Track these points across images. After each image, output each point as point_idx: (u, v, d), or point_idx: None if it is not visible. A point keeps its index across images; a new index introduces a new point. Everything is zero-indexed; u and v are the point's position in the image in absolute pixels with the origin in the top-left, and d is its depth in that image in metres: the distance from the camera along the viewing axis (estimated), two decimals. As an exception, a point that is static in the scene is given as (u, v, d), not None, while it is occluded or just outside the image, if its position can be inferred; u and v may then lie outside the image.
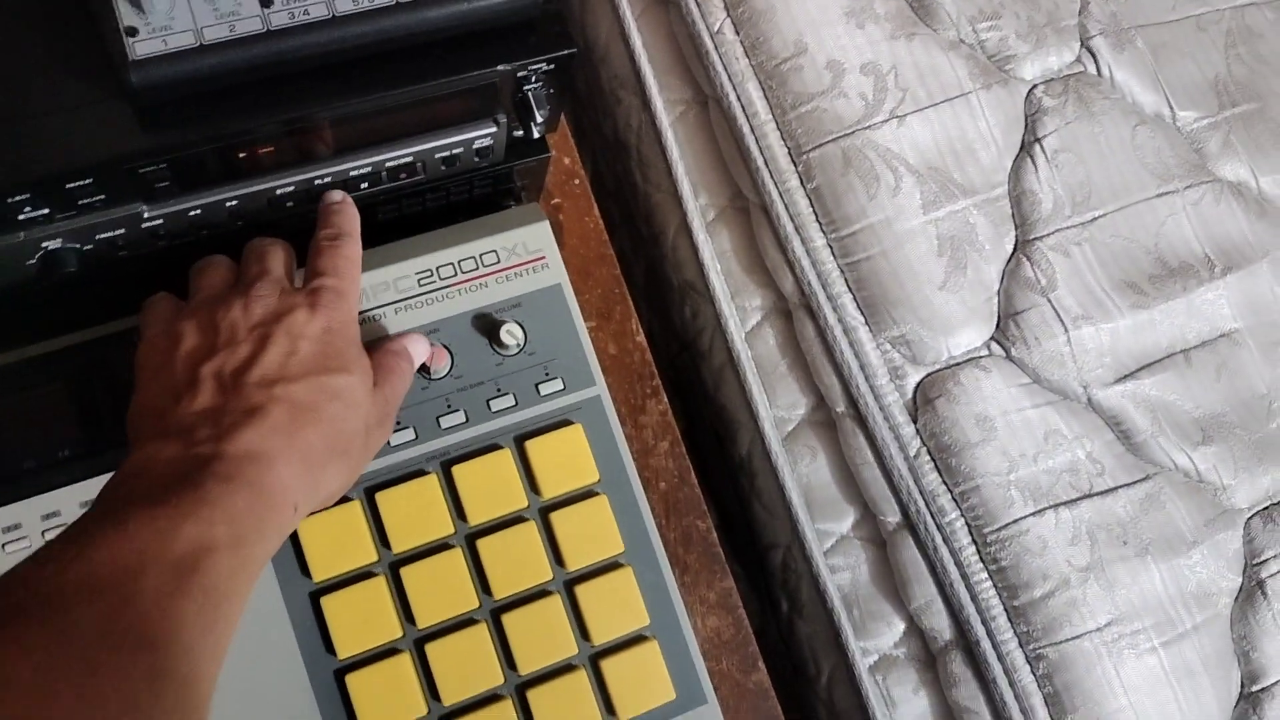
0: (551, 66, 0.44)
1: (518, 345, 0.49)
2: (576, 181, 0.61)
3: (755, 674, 0.56)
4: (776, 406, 0.60)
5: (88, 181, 0.40)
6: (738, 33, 0.60)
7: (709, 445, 0.66)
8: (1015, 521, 0.54)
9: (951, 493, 0.55)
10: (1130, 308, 0.58)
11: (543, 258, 0.51)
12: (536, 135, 0.48)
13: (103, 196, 0.41)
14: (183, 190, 0.43)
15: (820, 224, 0.58)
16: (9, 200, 0.39)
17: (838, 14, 0.60)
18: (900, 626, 0.58)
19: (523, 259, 0.50)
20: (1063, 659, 0.53)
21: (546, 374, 0.49)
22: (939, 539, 0.55)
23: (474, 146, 0.48)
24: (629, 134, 0.66)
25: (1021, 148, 0.60)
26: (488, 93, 0.45)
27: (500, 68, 0.43)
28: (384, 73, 0.42)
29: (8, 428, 0.44)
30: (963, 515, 0.55)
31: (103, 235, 0.44)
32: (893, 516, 0.57)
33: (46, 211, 0.41)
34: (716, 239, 0.62)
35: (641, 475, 0.55)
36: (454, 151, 0.48)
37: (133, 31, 0.38)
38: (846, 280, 0.58)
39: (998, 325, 0.58)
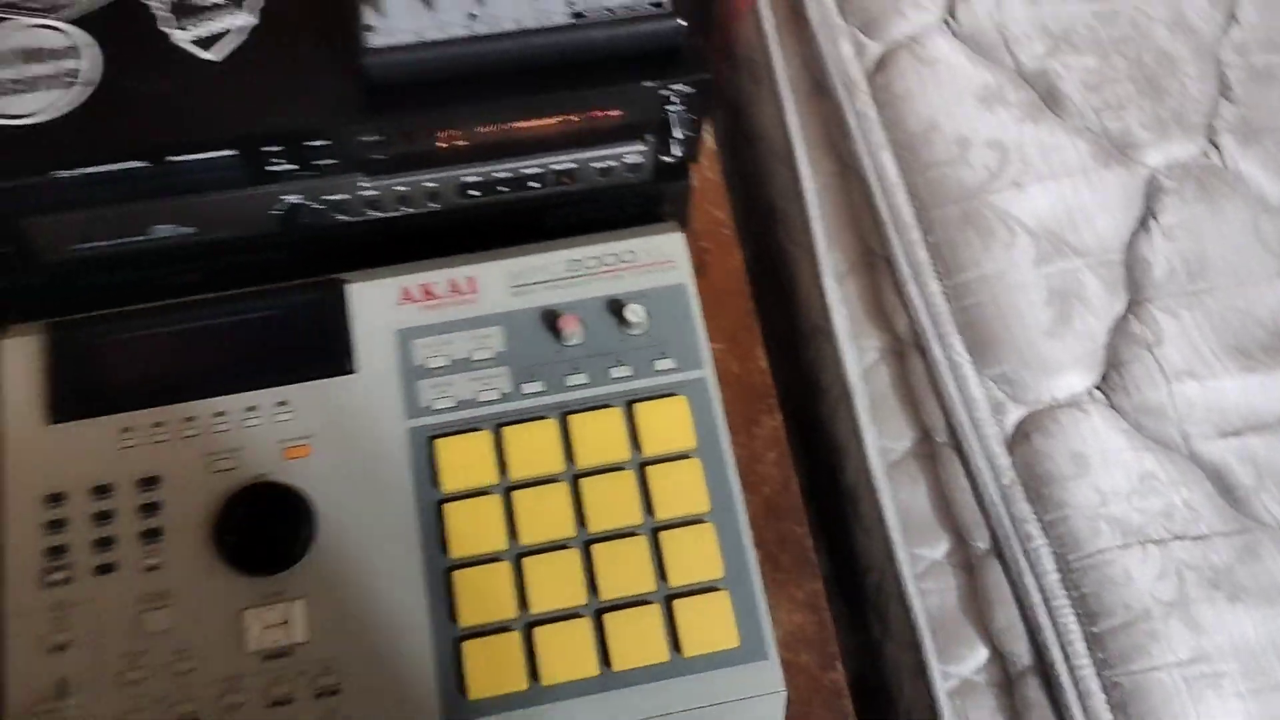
0: (690, 90, 0.54)
1: (641, 327, 0.57)
2: (725, 230, 0.70)
3: (832, 673, 0.59)
4: (884, 437, 0.65)
5: (326, 143, 0.53)
6: (879, 113, 0.69)
7: (821, 485, 0.70)
8: (1101, 551, 0.56)
9: (1040, 520, 0.58)
10: (1239, 370, 0.60)
11: (673, 261, 0.59)
12: (676, 154, 0.58)
13: (334, 161, 0.54)
14: (392, 168, 0.56)
15: (936, 272, 0.64)
16: (264, 149, 0.53)
17: (971, 99, 0.67)
18: (982, 653, 0.59)
19: (655, 260, 0.59)
20: (1138, 689, 0.53)
21: (661, 354, 0.57)
22: (1023, 563, 0.57)
23: (625, 161, 0.58)
24: (779, 199, 0.75)
25: (1139, 221, 0.64)
26: (635, 110, 0.55)
27: (645, 84, 0.53)
28: (550, 82, 0.53)
29: (241, 337, 0.56)
30: (1049, 542, 0.57)
31: (326, 197, 0.56)
32: (982, 542, 0.60)
33: (292, 167, 0.54)
34: (844, 287, 0.69)
35: (747, 480, 0.61)
36: (608, 164, 0.58)
37: (370, 29, 0.51)
38: (956, 322, 0.63)
39: (1102, 374, 0.61)
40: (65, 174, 0.51)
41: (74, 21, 0.53)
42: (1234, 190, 0.65)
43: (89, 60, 0.53)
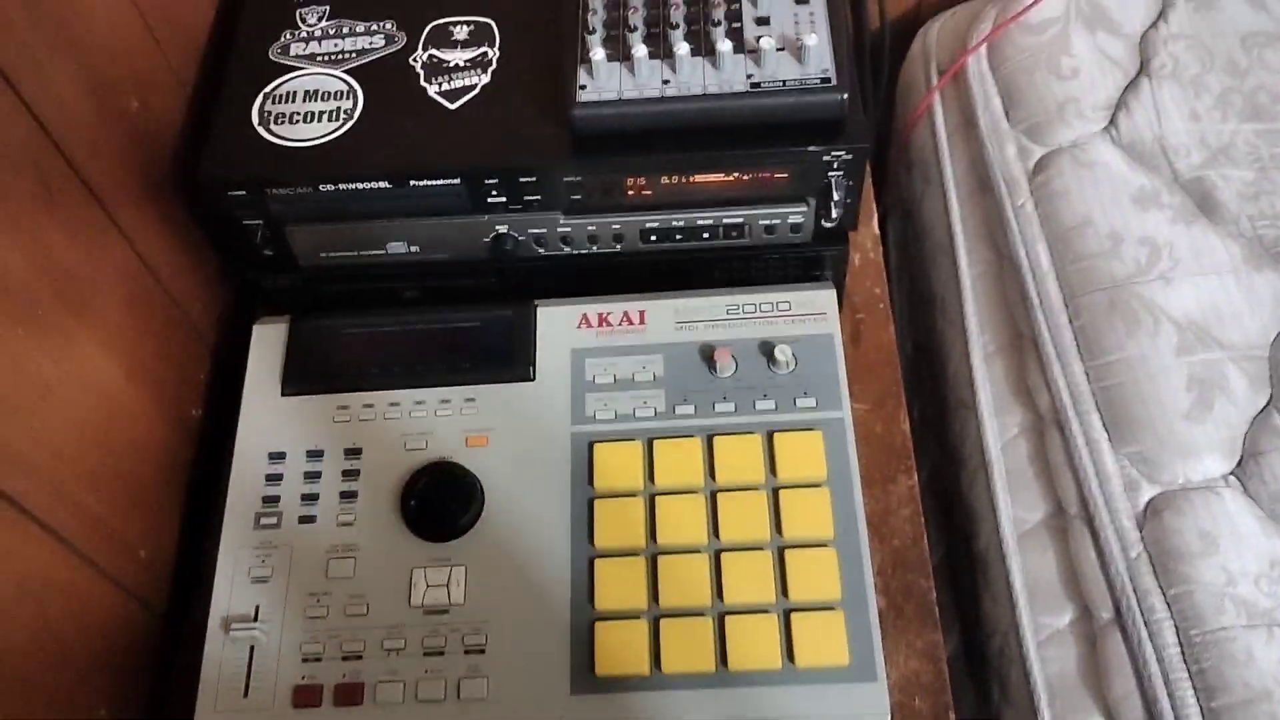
0: (849, 156, 0.61)
1: (787, 367, 0.63)
2: (880, 305, 0.76)
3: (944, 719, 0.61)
4: (1018, 507, 0.67)
5: (535, 181, 0.63)
6: (1036, 207, 0.74)
7: (955, 552, 0.73)
8: (1224, 629, 0.57)
9: (1164, 594, 0.59)
10: (1385, 471, 0.60)
11: (824, 314, 0.65)
12: (835, 217, 0.65)
13: (540, 198, 0.64)
14: (587, 210, 0.65)
15: (1080, 353, 0.67)
16: (485, 182, 0.63)
17: (1126, 199, 0.71)
18: (1097, 721, 0.60)
19: (808, 311, 0.65)
20: (1250, 764, 0.53)
21: (804, 393, 0.63)
22: (1144, 633, 0.58)
23: (789, 220, 0.65)
24: (938, 287, 0.80)
25: (1289, 323, 0.66)
26: (801, 174, 0.63)
27: (811, 149, 0.61)
28: (728, 143, 0.62)
29: (444, 342, 0.66)
30: (1171, 616, 0.58)
31: (530, 230, 0.66)
32: (1106, 612, 0.61)
33: (504, 199, 0.64)
34: (990, 367, 0.72)
35: (879, 531, 0.65)
36: (773, 222, 0.65)
37: (582, 87, 0.61)
38: (1096, 400, 0.66)
39: (1238, 461, 0.62)
40: (329, 188, 0.63)
41: (350, 72, 0.66)
42: (1394, 302, 0.66)
43: (358, 102, 0.65)
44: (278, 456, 0.63)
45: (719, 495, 0.60)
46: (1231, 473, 0.62)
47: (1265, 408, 0.63)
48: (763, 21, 0.62)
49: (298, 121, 0.64)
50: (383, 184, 0.63)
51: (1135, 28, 0.80)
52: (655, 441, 0.62)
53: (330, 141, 0.63)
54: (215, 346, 0.73)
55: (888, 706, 0.56)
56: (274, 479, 0.63)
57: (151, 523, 0.65)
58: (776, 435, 0.62)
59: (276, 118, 0.64)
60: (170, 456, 0.67)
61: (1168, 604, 0.59)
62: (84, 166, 0.59)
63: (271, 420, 0.64)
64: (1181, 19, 0.80)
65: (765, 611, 0.57)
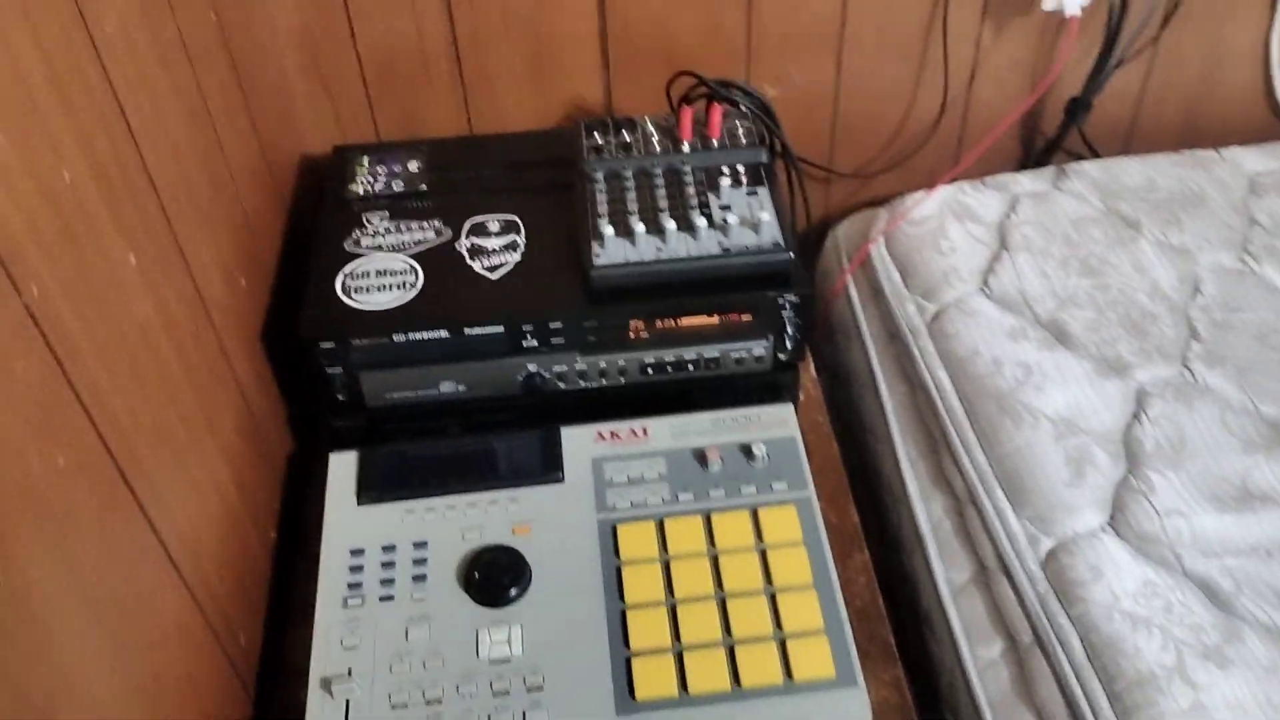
0: (798, 299, 0.82)
1: (763, 461, 0.81)
2: (824, 429, 0.95)
3: (912, 732, 0.75)
4: (949, 570, 0.84)
5: (559, 326, 0.82)
6: (935, 346, 0.95)
7: (900, 613, 0.89)
8: (1115, 632, 0.74)
9: (1067, 613, 0.76)
10: (1215, 511, 0.79)
11: (785, 423, 0.84)
12: (788, 348, 0.85)
13: (563, 340, 0.83)
14: (599, 349, 0.84)
15: (981, 446, 0.87)
16: (521, 328, 0.82)
17: (1002, 335, 0.93)
18: (1031, 722, 0.75)
19: (773, 422, 0.84)
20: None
21: (778, 479, 0.81)
22: (1057, 644, 0.75)
23: (752, 353, 0.85)
24: (866, 416, 0.99)
25: (1133, 414, 0.87)
26: (760, 315, 0.83)
27: (769, 293, 0.82)
28: (706, 293, 0.82)
29: (489, 458, 0.82)
30: (1075, 628, 0.75)
31: (554, 368, 0.84)
32: (1026, 637, 0.77)
33: (536, 344, 0.83)
34: (914, 467, 0.91)
35: (844, 593, 0.81)
36: (741, 354, 0.85)
37: (596, 254, 0.81)
38: (998, 480, 0.85)
39: (1110, 515, 0.81)
40: (401, 338, 0.81)
41: (411, 256, 0.86)
42: (1204, 396, 0.88)
43: (419, 277, 0.84)
44: (358, 552, 0.78)
45: (720, 557, 0.76)
46: (1106, 523, 0.80)
47: (1125, 475, 0.83)
48: (725, 207, 0.85)
49: (373, 291, 0.83)
50: (442, 333, 0.81)
51: (994, 218, 1.06)
52: (665, 520, 0.78)
53: (400, 306, 0.82)
54: (284, 480, 0.88)
55: (869, 705, 0.70)
56: (356, 569, 0.77)
57: (249, 613, 0.77)
58: (760, 510, 0.79)
59: (356, 289, 0.83)
60: (258, 564, 0.81)
61: (1071, 621, 0.75)
62: (216, 325, 0.76)
63: (350, 525, 0.79)
64: (1027, 211, 1.05)
65: (765, 640, 0.72)
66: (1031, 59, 1.12)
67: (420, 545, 0.78)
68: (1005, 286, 0.98)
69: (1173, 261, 1.00)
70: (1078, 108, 1.12)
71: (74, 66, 0.58)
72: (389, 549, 0.78)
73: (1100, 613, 0.75)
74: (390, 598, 0.75)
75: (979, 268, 1.01)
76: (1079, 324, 0.94)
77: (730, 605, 0.74)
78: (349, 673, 0.72)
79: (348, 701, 0.71)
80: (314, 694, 0.71)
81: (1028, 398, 0.88)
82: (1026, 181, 1.09)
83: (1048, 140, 1.17)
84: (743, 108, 0.91)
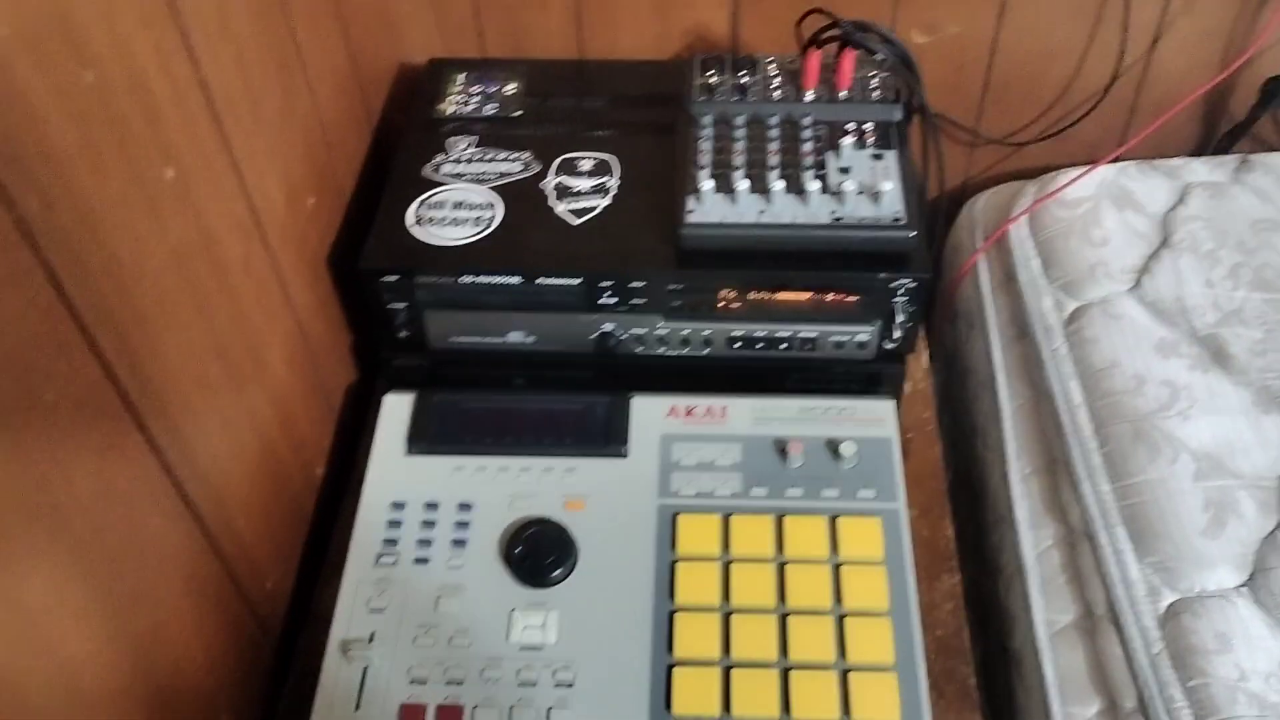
0: (914, 284, 0.72)
1: (851, 462, 0.72)
2: (928, 428, 0.85)
3: (980, 789, 0.66)
4: (1050, 610, 0.74)
5: (642, 285, 0.74)
6: (1070, 351, 0.84)
7: (991, 651, 0.79)
8: (1237, 717, 0.63)
9: (1183, 685, 0.66)
10: (1381, 590, 0.67)
11: (883, 421, 0.75)
12: (897, 338, 0.75)
13: (645, 300, 0.75)
14: (683, 316, 0.76)
15: (1108, 474, 0.76)
16: (599, 285, 0.74)
17: (1149, 347, 0.81)
18: (1121, 801, 0.65)
19: (870, 418, 0.75)
20: (1261, 835, 0.58)
21: (865, 485, 0.72)
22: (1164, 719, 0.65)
23: (856, 339, 0.76)
24: (980, 419, 0.89)
25: (1294, 459, 0.74)
26: (869, 298, 0.73)
27: (881, 276, 0.72)
28: (810, 266, 0.73)
29: (552, 420, 0.75)
30: (1189, 705, 0.65)
31: (633, 330, 0.76)
32: (1130, 703, 0.67)
33: (614, 302, 0.75)
34: (1028, 486, 0.81)
35: (925, 621, 0.72)
36: (843, 339, 0.76)
37: (689, 210, 0.73)
38: (1122, 516, 0.74)
39: (1250, 574, 0.69)
40: (468, 280, 0.74)
41: (493, 189, 0.78)
42: (1387, 449, 0.74)
43: (498, 213, 0.77)
44: (399, 505, 0.72)
45: (786, 566, 0.68)
46: (1244, 584, 0.69)
47: (1274, 530, 0.71)
48: (845, 170, 0.74)
49: (447, 225, 0.76)
50: (514, 279, 0.74)
51: (1158, 209, 0.92)
52: (731, 516, 0.70)
53: (473, 243, 0.75)
54: (340, 414, 0.83)
55: (933, 762, 0.62)
56: (394, 524, 0.71)
57: (279, 558, 0.73)
58: (839, 519, 0.70)
59: (429, 220, 0.76)
60: (297, 505, 0.76)
61: (1185, 694, 0.65)
62: (273, 247, 0.70)
63: (396, 475, 0.73)
64: (1199, 204, 0.92)
65: (825, 669, 0.64)
66: (1228, 29, 0.96)
67: (465, 507, 0.72)
68: (1161, 290, 0.85)
69: (1369, 282, 0.85)
70: (1276, 89, 0.96)
71: (117, -49, 0.52)
72: (431, 506, 0.72)
73: (1222, 691, 0.64)
74: (425, 560, 0.70)
75: (1133, 265, 0.88)
76: (1243, 345, 0.81)
77: (791, 623, 0.66)
78: (370, 638, 0.67)
79: (365, 669, 0.66)
80: (331, 656, 0.66)
81: (1170, 425, 0.76)
82: (1203, 170, 0.95)
83: (1234, 124, 1.01)
84: (880, 56, 0.80)
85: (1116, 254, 0.89)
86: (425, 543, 0.71)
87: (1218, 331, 0.82)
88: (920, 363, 0.88)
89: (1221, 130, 1.04)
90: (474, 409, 0.76)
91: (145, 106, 0.54)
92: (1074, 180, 0.94)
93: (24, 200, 0.45)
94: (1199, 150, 1.06)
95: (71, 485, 0.48)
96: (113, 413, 0.52)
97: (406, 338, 0.78)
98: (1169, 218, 0.91)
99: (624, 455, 0.74)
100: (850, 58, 0.79)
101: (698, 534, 0.70)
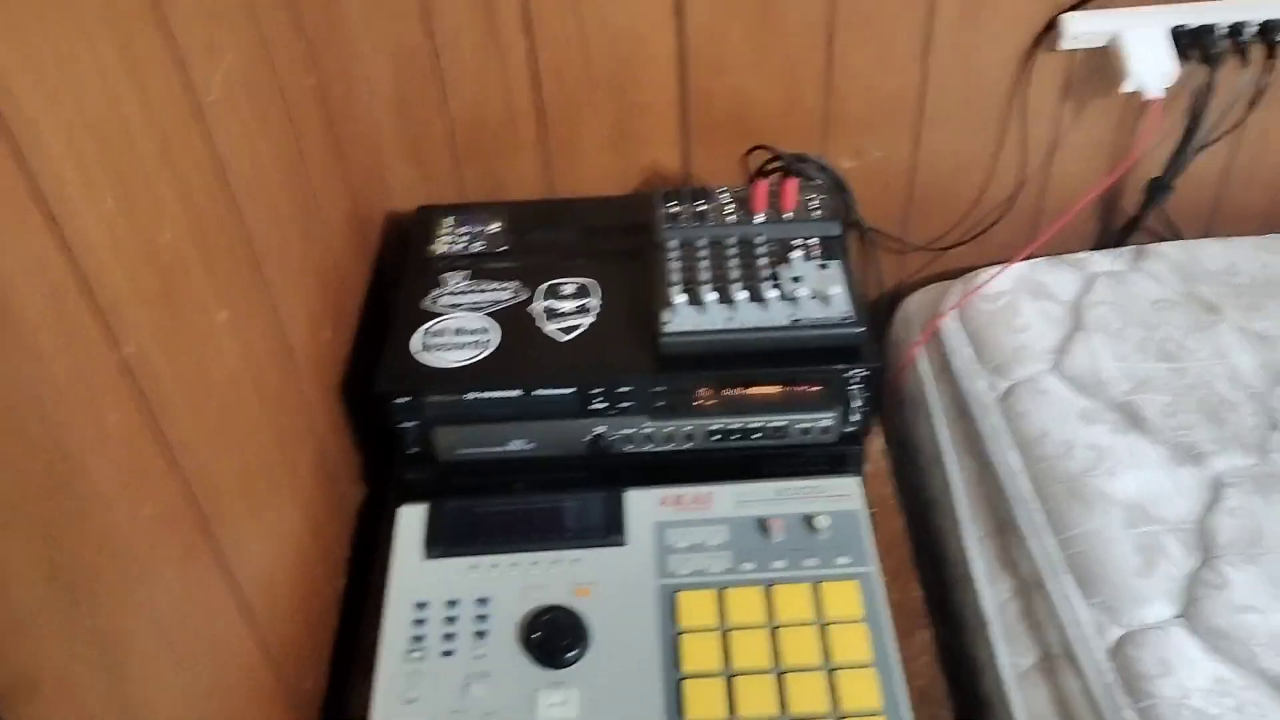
0: (867, 373, 0.83)
1: (826, 534, 0.81)
2: (889, 503, 0.94)
3: (968, 820, 0.73)
4: (1013, 655, 0.83)
5: (629, 390, 0.83)
6: (1005, 424, 0.94)
7: (962, 698, 0.87)
8: (1183, 731, 0.72)
9: (1135, 706, 0.74)
10: (1294, 609, 0.77)
11: (850, 496, 0.84)
12: (855, 421, 0.85)
13: (631, 403, 0.84)
14: (666, 415, 0.85)
15: (1051, 530, 0.86)
16: (590, 391, 0.83)
17: (1074, 416, 0.92)
18: (1094, 818, 0.73)
19: (839, 494, 0.84)
20: (1216, 829, 0.66)
21: (841, 553, 0.80)
22: (1122, 739, 0.73)
23: (819, 424, 0.86)
24: (933, 492, 0.99)
25: (1208, 504, 0.85)
26: (828, 387, 0.83)
27: (837, 367, 0.82)
28: (774, 363, 0.83)
29: (555, 518, 0.83)
30: (1142, 724, 0.73)
31: (621, 431, 0.85)
32: (1091, 729, 0.76)
33: (604, 406, 0.84)
34: (982, 547, 0.90)
35: (905, 671, 0.80)
36: (808, 425, 0.86)
37: (666, 321, 0.83)
38: (1067, 564, 0.83)
39: (1182, 607, 0.79)
40: (474, 396, 0.83)
41: (488, 314, 0.88)
42: (1285, 488, 0.85)
43: (494, 336, 0.86)
44: (422, 605, 0.79)
45: (778, 630, 0.76)
46: (1178, 615, 0.78)
47: (1198, 567, 0.81)
48: (797, 279, 0.86)
49: (449, 349, 0.85)
50: (515, 393, 0.83)
51: (1069, 297, 1.05)
52: (725, 590, 0.78)
53: (475, 363, 0.84)
54: (354, 528, 0.90)
55: (925, 794, 0.69)
56: (419, 622, 0.78)
57: (316, 660, 0.79)
58: (821, 584, 0.78)
59: (433, 347, 0.86)
60: (326, 611, 0.83)
61: (1138, 715, 0.73)
62: (300, 376, 0.79)
63: (416, 578, 0.80)
64: (1104, 290, 1.04)
65: (822, 718, 0.72)
66: (1112, 138, 1.11)
67: (483, 601, 0.79)
68: (1079, 367, 0.97)
69: (1254, 348, 0.98)
70: (1158, 188, 1.11)
71: (179, 131, 0.61)
72: (453, 604, 0.79)
73: (1168, 709, 0.73)
74: (451, 653, 0.76)
75: (1052, 346, 1.00)
76: (1154, 409, 0.92)
77: (788, 680, 0.74)
78: (407, 726, 0.73)
79: (406, 753, 0.72)
80: (373, 744, 0.72)
81: (1099, 482, 0.87)
82: (1104, 261, 1.09)
83: (1127, 219, 1.16)
84: (817, 181, 0.92)
85: (1037, 338, 1.00)
86: (449, 636, 0.77)
87: (1132, 399, 0.93)
88: (876, 445, 0.98)
89: (1117, 225, 1.18)
90: (484, 512, 0.84)
91: (205, 257, 0.63)
92: (993, 277, 1.06)
93: (125, 342, 0.54)
94: (1099, 244, 1.20)
95: (164, 587, 0.55)
96: (191, 525, 0.59)
97: (416, 453, 0.86)
98: (1079, 304, 1.04)
99: (623, 544, 0.82)
100: (793, 184, 0.91)
101: (697, 608, 0.78)
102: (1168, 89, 1.02)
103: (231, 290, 0.67)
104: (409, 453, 0.86)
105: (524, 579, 0.80)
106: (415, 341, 0.86)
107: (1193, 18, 1.01)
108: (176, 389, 0.58)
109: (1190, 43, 1.02)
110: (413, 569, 0.81)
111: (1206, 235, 1.14)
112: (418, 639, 0.77)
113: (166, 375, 0.57)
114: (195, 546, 0.60)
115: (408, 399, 0.83)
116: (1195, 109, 1.05)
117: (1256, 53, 1.03)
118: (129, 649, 0.52)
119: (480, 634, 0.77)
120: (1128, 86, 1.02)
